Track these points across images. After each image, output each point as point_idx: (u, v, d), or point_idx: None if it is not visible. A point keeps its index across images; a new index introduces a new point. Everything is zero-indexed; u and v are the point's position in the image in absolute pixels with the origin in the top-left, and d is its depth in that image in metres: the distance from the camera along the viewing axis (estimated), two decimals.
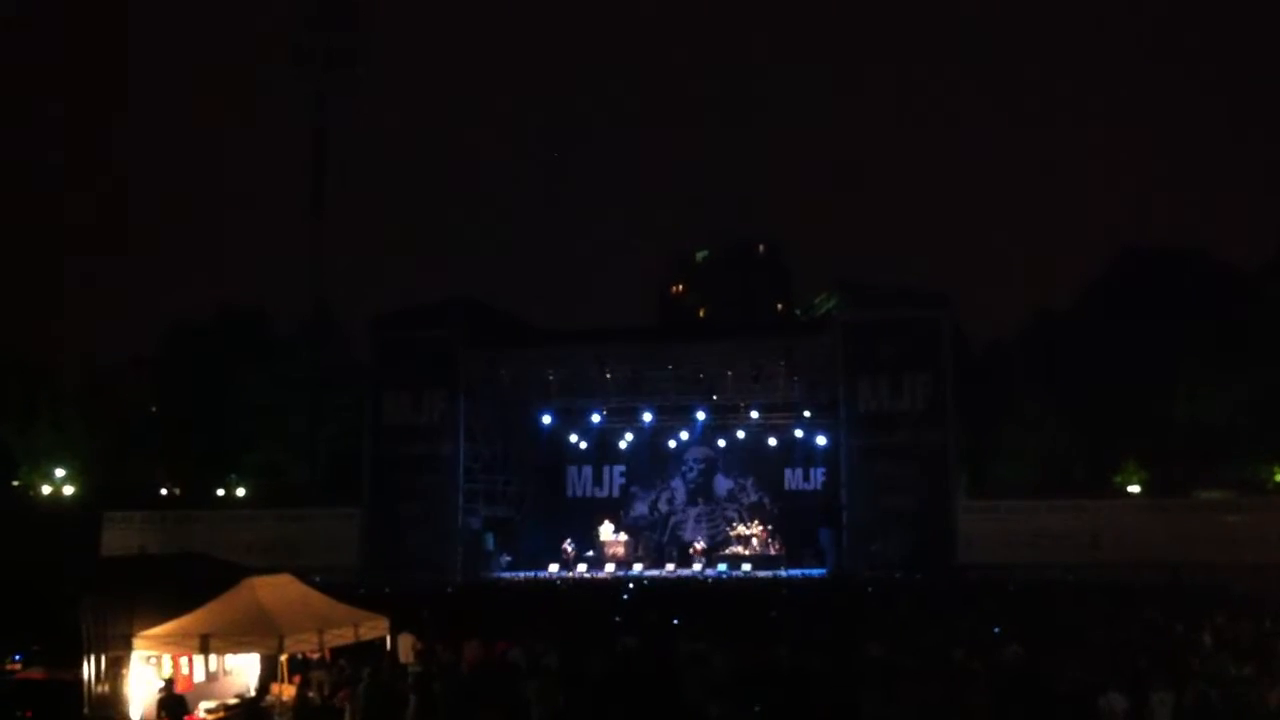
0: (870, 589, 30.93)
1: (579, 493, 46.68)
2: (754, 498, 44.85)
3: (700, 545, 41.90)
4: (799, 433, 42.96)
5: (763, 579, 36.34)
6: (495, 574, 40.01)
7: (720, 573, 38.53)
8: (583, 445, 45.41)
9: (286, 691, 16.87)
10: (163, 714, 15.24)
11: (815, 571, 38.28)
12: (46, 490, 51.41)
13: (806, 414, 42.16)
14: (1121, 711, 13.96)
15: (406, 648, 19.05)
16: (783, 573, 38.03)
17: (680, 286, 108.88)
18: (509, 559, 41.96)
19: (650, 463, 45.66)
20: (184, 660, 16.22)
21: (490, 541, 41.64)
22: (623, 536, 42.48)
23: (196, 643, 15.21)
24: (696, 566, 39.97)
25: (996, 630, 20.42)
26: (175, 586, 16.35)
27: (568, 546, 41.48)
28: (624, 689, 15.79)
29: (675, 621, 22.69)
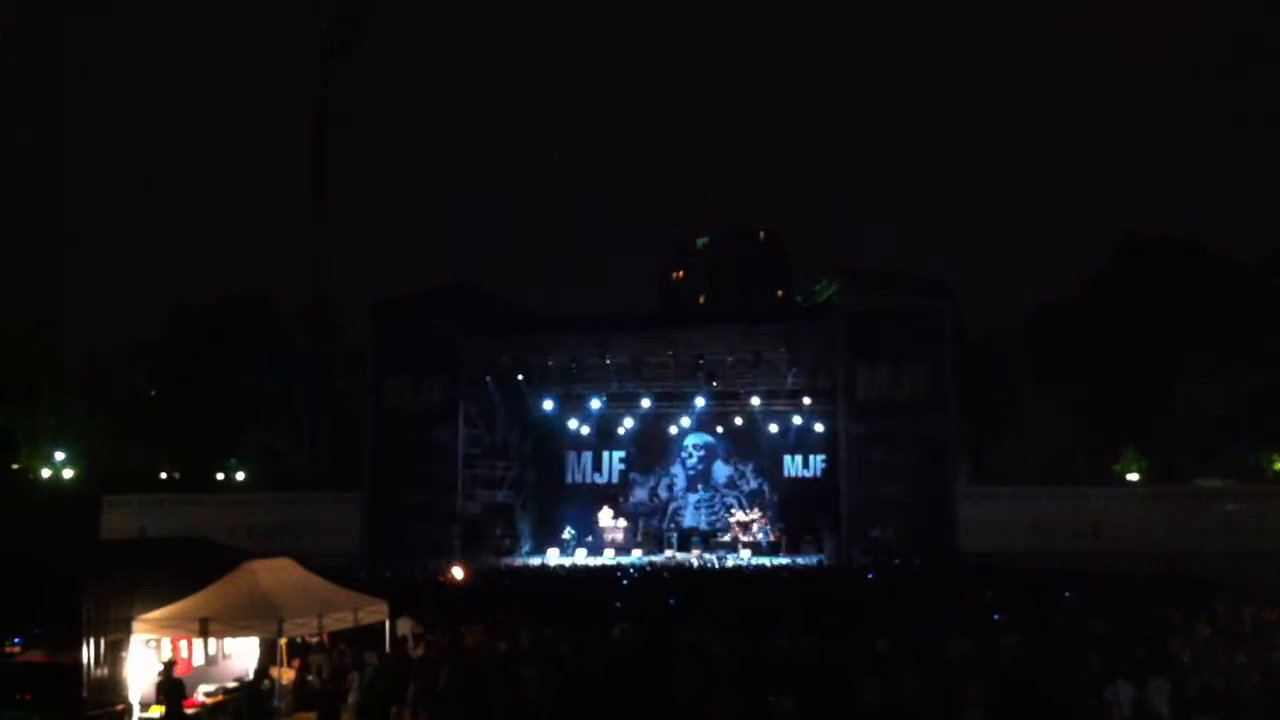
0: (869, 576, 30.95)
1: (579, 478, 46.66)
2: (753, 484, 44.82)
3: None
4: (798, 419, 42.89)
5: (762, 566, 36.36)
6: (495, 559, 40.03)
7: (719, 559, 38.55)
8: (583, 431, 45.41)
9: (286, 675, 16.91)
10: (162, 697, 15.27)
11: (814, 558, 38.29)
12: (46, 473, 51.48)
13: (806, 401, 42.10)
14: (1128, 701, 13.97)
15: (406, 633, 19.07)
16: (782, 559, 38.07)
17: (681, 272, 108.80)
18: (508, 544, 42.01)
19: (650, 449, 45.64)
20: (183, 643, 16.26)
21: (490, 527, 41.69)
22: (622, 522, 42.51)
23: (196, 626, 15.24)
24: (696, 552, 39.98)
25: (996, 618, 20.45)
26: (175, 570, 16.38)
27: (567, 532, 41.53)
28: (621, 676, 15.80)
29: (674, 609, 22.72)
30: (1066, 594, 24.37)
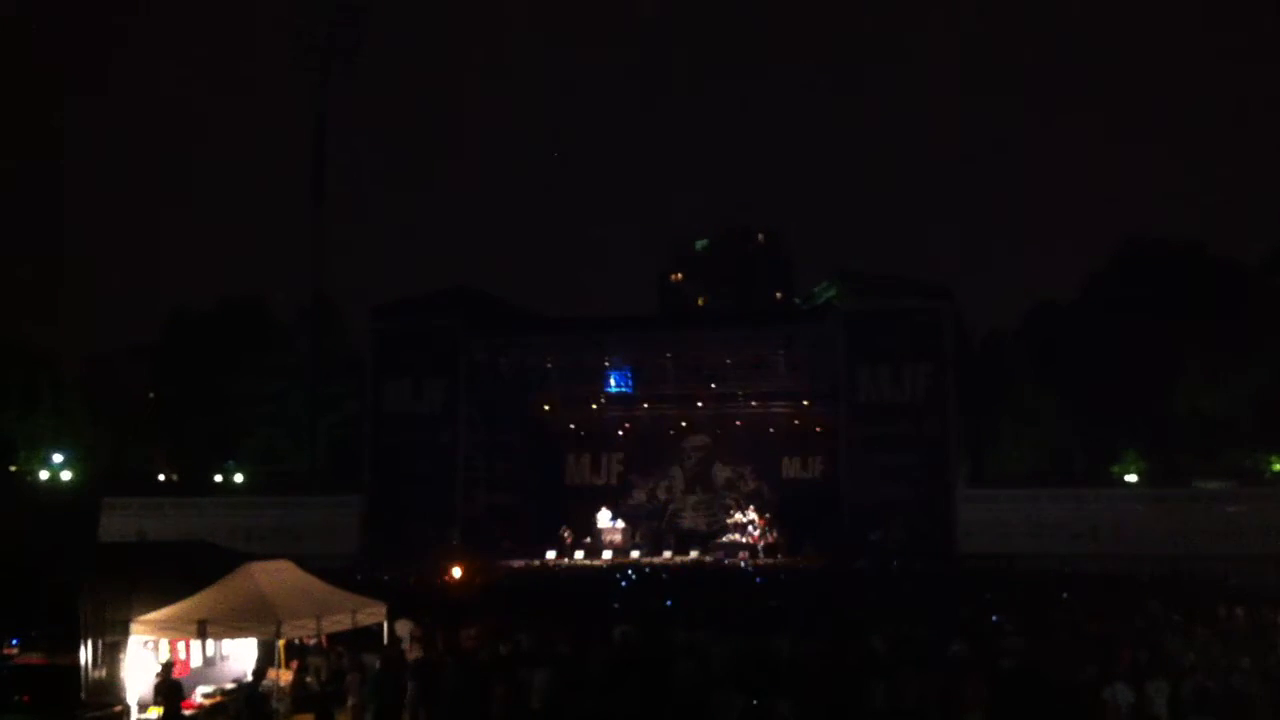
0: (869, 578, 30.92)
1: (577, 480, 46.65)
2: (752, 486, 44.78)
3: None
4: (797, 421, 42.89)
5: (761, 567, 36.30)
6: (493, 561, 39.96)
7: (717, 560, 38.51)
8: (582, 433, 45.40)
9: (284, 676, 16.89)
10: (160, 698, 15.25)
11: (813, 560, 38.22)
12: (45, 476, 51.43)
13: (805, 403, 42.12)
14: (1126, 704, 13.97)
15: (404, 634, 19.05)
16: (780, 561, 38.01)
17: (679, 275, 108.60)
18: (507, 546, 41.96)
19: (649, 451, 45.63)
20: (181, 645, 16.24)
21: (489, 528, 41.66)
22: (620, 524, 42.46)
23: (194, 628, 15.24)
24: (694, 554, 39.95)
25: (995, 619, 20.44)
26: (174, 572, 16.39)
27: (565, 534, 41.51)
28: (620, 678, 15.79)
29: (672, 610, 22.70)
30: (1065, 596, 24.37)
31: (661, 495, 45.67)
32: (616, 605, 23.53)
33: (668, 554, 40.35)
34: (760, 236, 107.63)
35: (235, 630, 15.77)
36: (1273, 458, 44.24)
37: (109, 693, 15.09)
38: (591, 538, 41.69)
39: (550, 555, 40.33)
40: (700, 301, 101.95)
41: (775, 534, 41.27)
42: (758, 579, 31.60)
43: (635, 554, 40.23)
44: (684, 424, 44.66)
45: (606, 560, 39.04)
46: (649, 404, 43.35)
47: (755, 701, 13.90)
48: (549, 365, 42.66)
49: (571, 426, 45.29)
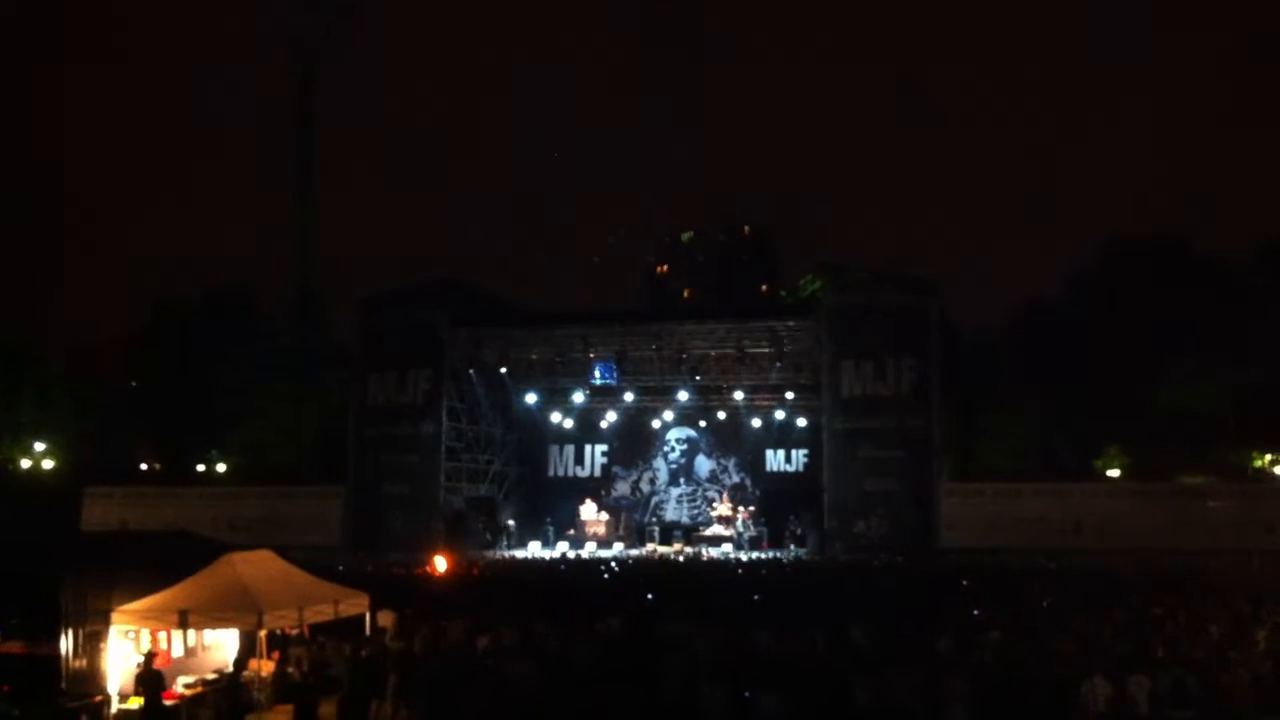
0: (852, 572, 30.95)
1: (561, 472, 46.70)
2: (736, 479, 44.86)
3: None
4: (781, 414, 42.95)
5: (744, 560, 36.32)
6: (477, 553, 39.96)
7: (700, 553, 38.50)
8: (566, 425, 45.39)
9: (265, 667, 16.84)
10: (141, 689, 15.17)
11: (796, 553, 38.29)
12: (26, 465, 51.16)
13: (789, 396, 42.15)
14: (1104, 697, 14.00)
15: (387, 625, 19.00)
16: (764, 554, 38.04)
17: (665, 267, 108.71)
18: (490, 538, 41.98)
19: (632, 443, 45.67)
20: (163, 635, 16.17)
21: (472, 520, 41.64)
22: (604, 516, 42.42)
23: (175, 618, 15.17)
24: (677, 546, 39.94)
25: (978, 613, 20.46)
26: (155, 562, 16.30)
27: (549, 526, 41.51)
28: (604, 671, 15.75)
29: (657, 604, 22.68)
30: (1047, 590, 24.41)
31: (645, 487, 45.73)
32: (600, 599, 23.49)
33: (651, 546, 40.36)
34: (746, 229, 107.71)
35: (217, 620, 15.71)
36: (1255, 454, 44.41)
37: (89, 683, 15.01)
38: (575, 530, 41.66)
39: (534, 547, 40.33)
40: (685, 294, 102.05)
41: (758, 527, 41.25)
42: (739, 571, 31.63)
43: (619, 546, 40.23)
44: (668, 416, 44.69)
45: (590, 553, 39.04)
46: (633, 395, 43.36)
47: (741, 696, 13.88)
48: (534, 357, 42.67)
49: (555, 418, 45.26)
